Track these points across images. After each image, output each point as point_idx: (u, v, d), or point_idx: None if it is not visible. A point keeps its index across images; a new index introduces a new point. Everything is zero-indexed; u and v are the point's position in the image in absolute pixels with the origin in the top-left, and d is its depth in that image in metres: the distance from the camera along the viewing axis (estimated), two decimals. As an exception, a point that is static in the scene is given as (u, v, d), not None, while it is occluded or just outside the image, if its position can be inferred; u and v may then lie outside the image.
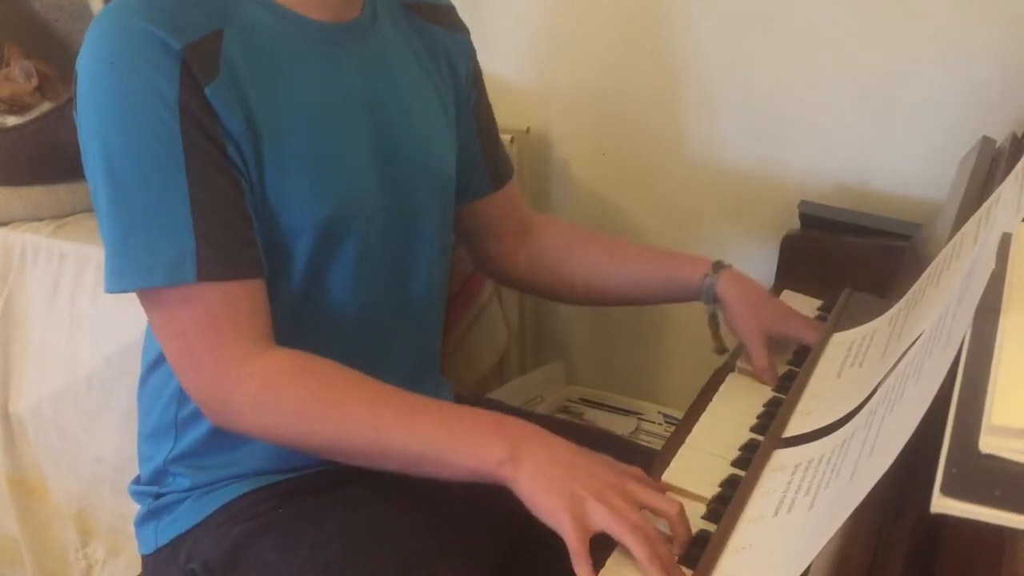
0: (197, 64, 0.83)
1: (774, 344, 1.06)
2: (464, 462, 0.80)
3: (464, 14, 1.11)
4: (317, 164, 0.91)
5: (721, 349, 1.14)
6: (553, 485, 0.76)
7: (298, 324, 0.94)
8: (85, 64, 0.84)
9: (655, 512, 0.78)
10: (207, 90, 0.83)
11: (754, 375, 1.03)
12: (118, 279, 0.84)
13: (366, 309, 0.98)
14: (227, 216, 0.85)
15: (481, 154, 1.13)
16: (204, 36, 0.85)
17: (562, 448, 0.80)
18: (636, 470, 0.82)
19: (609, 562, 0.76)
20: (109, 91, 0.83)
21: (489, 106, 1.16)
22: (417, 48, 1.04)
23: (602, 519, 0.75)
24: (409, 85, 1.01)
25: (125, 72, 0.82)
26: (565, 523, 0.74)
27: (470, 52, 1.11)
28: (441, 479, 0.83)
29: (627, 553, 0.75)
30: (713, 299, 1.09)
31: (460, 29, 1.10)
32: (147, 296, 0.86)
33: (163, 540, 1.00)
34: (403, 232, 1.00)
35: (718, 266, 1.09)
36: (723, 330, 1.11)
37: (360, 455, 0.85)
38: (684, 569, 0.75)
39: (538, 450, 0.79)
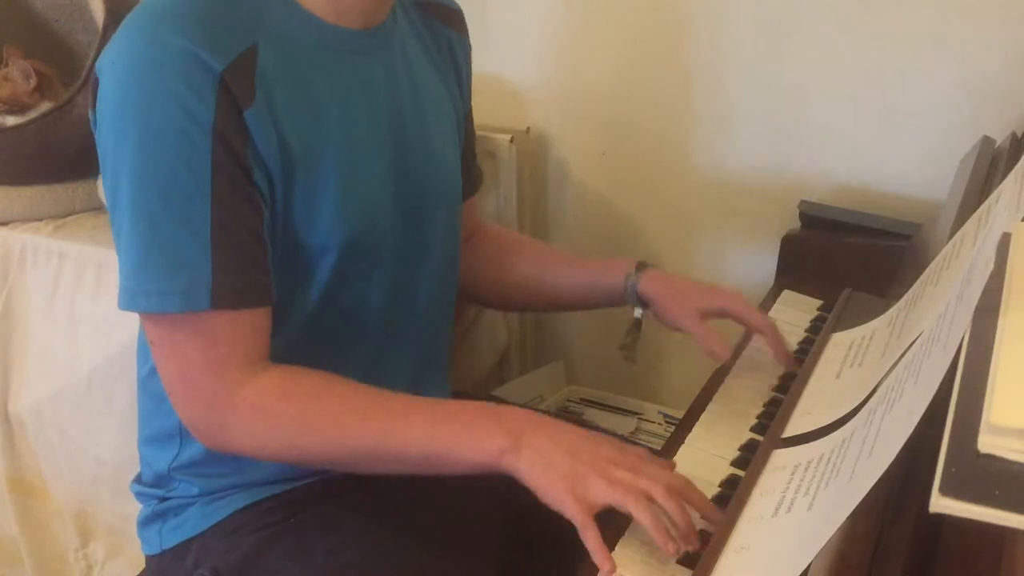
0: (237, 87, 0.81)
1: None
2: (467, 457, 0.80)
3: (466, 14, 1.11)
4: (343, 186, 0.90)
5: (630, 356, 1.14)
6: (554, 468, 0.77)
7: (309, 335, 0.94)
8: (113, 76, 0.81)
9: (659, 481, 0.77)
10: (246, 114, 0.82)
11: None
12: (132, 299, 0.84)
13: (374, 318, 0.98)
14: (246, 244, 0.84)
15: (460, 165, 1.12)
16: (241, 54, 0.82)
17: (563, 431, 0.81)
18: (640, 449, 0.82)
19: (621, 541, 0.77)
20: (139, 109, 0.80)
21: (472, 117, 1.15)
22: (430, 49, 1.04)
23: (603, 492, 0.75)
24: (426, 90, 1.01)
25: (159, 93, 0.79)
26: (568, 502, 0.75)
27: (470, 58, 1.11)
28: (446, 475, 0.83)
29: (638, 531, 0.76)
30: (637, 299, 1.08)
31: (465, 33, 1.10)
32: (151, 315, 0.85)
33: (169, 543, 0.99)
34: (411, 243, 1.00)
35: (641, 266, 1.09)
36: (641, 341, 1.11)
37: (361, 464, 0.85)
38: (684, 568, 0.75)
39: (538, 436, 0.79)
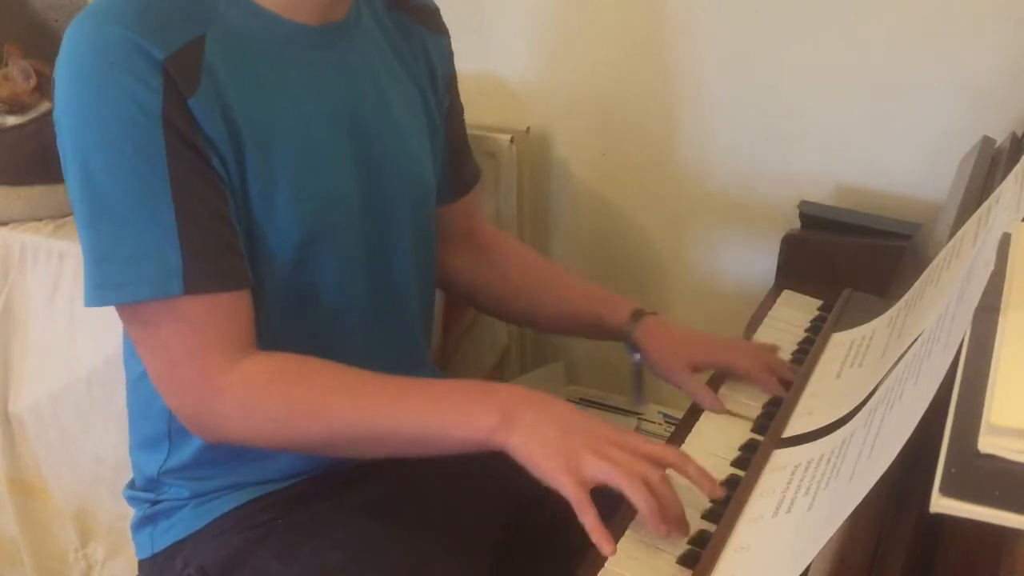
0: (180, 75, 0.81)
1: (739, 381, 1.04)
2: (457, 434, 0.80)
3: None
4: (301, 174, 0.89)
5: (635, 401, 1.14)
6: (548, 444, 0.77)
7: (283, 327, 0.93)
8: (62, 74, 0.81)
9: (653, 459, 0.78)
10: (190, 102, 0.81)
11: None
12: (100, 293, 0.83)
13: (349, 311, 0.98)
14: (213, 227, 0.83)
15: (448, 162, 1.11)
16: (186, 44, 0.82)
17: (556, 407, 0.80)
18: (636, 433, 0.81)
19: (628, 532, 0.77)
20: (88, 103, 0.80)
21: (461, 112, 1.14)
22: (399, 48, 1.03)
23: (598, 470, 0.75)
24: (391, 88, 1.00)
25: (104, 83, 0.79)
26: (562, 478, 0.75)
27: (449, 55, 1.10)
28: (437, 455, 0.82)
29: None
30: (632, 347, 1.08)
31: (442, 31, 1.08)
32: (128, 310, 0.85)
33: (159, 546, 0.99)
34: (382, 236, 0.99)
35: (638, 314, 1.08)
36: (646, 383, 1.11)
37: (352, 446, 0.85)
38: (684, 568, 0.75)
39: (531, 412, 0.79)
